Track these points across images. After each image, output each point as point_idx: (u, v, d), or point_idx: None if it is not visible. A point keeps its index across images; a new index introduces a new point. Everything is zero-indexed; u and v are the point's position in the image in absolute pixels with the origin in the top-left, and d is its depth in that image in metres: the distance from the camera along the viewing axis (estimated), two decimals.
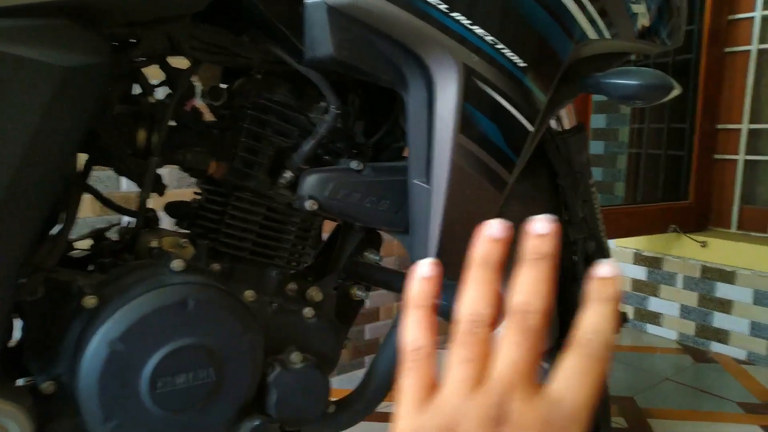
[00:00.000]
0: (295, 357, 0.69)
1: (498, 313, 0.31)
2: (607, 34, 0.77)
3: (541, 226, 0.30)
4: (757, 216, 1.99)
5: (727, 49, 2.01)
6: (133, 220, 0.69)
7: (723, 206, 2.06)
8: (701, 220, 2.06)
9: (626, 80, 0.76)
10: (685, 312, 2.03)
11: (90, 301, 0.58)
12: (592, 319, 0.29)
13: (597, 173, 2.38)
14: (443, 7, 0.61)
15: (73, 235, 0.69)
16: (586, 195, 1.02)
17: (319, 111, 0.72)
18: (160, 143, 0.64)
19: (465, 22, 0.63)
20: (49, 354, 0.60)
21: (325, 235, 0.87)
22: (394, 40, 0.62)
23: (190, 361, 0.60)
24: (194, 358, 0.60)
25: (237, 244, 0.70)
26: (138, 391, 0.58)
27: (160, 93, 0.67)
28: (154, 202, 0.74)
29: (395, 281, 0.77)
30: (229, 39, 0.65)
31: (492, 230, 0.31)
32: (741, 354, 1.90)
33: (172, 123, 0.68)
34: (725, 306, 1.93)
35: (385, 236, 0.83)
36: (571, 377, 0.29)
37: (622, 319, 1.06)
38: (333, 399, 0.76)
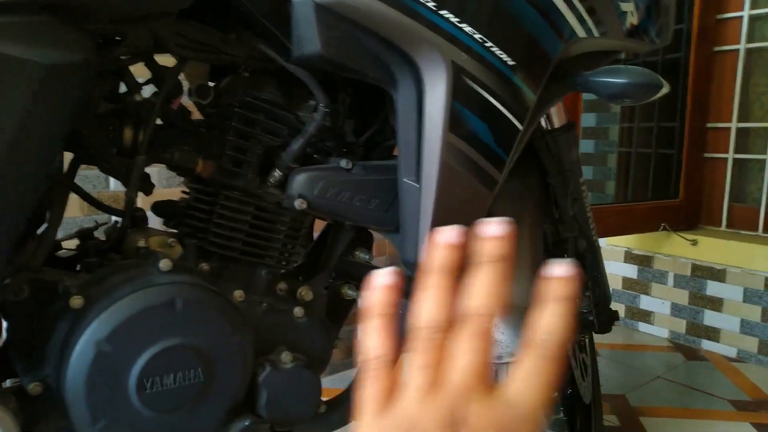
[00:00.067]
0: (286, 357, 0.69)
1: (454, 318, 0.31)
2: (596, 33, 0.77)
3: (494, 229, 0.30)
4: (747, 214, 2.00)
5: (716, 48, 2.02)
6: (121, 219, 0.69)
7: (713, 204, 2.07)
8: (691, 218, 2.07)
9: (615, 79, 0.77)
10: (676, 310, 2.03)
11: (76, 301, 0.58)
12: (546, 320, 0.30)
13: (587, 172, 2.39)
14: (431, 4, 0.61)
15: (60, 235, 0.69)
16: (577, 193, 1.02)
17: (308, 109, 0.72)
18: (147, 142, 0.64)
19: (454, 20, 0.63)
20: (36, 355, 0.60)
21: (316, 234, 0.87)
22: (382, 38, 0.62)
23: (179, 361, 0.60)
24: (183, 358, 0.60)
25: (226, 244, 0.70)
26: (126, 392, 0.58)
27: (147, 91, 0.66)
28: (144, 202, 0.74)
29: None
30: (215, 37, 0.65)
31: (447, 236, 0.31)
32: (731, 352, 1.91)
33: (159, 121, 0.67)
34: (716, 304, 1.94)
35: (377, 236, 0.82)
36: (527, 378, 0.29)
37: (614, 317, 1.07)
38: (324, 399, 0.76)
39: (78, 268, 0.67)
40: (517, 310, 0.89)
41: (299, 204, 0.69)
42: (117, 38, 0.59)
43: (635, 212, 1.96)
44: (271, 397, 0.67)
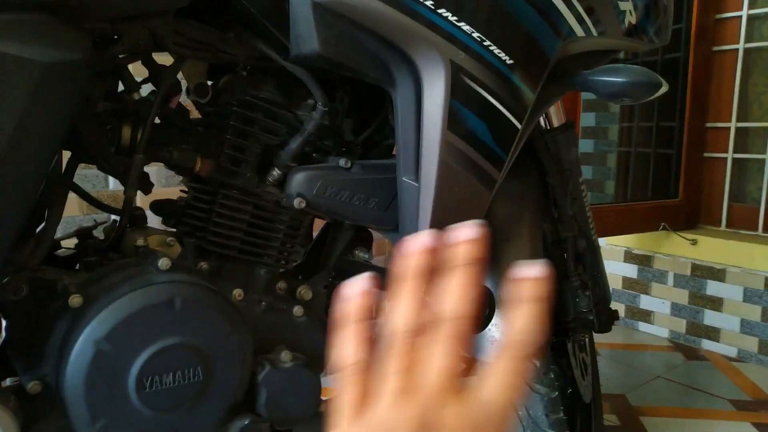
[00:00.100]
0: (285, 356, 0.69)
1: (427, 322, 0.31)
2: (594, 32, 0.77)
3: (466, 232, 0.31)
4: (746, 214, 2.00)
5: (715, 48, 2.02)
6: (120, 218, 0.69)
7: (712, 204, 2.07)
8: (691, 218, 2.07)
9: (613, 78, 0.77)
10: (676, 310, 2.03)
11: (75, 300, 0.58)
12: (520, 320, 0.30)
13: (587, 172, 2.39)
14: (429, 3, 0.61)
15: (59, 234, 0.69)
16: (576, 193, 1.02)
17: (306, 108, 0.72)
18: (145, 141, 0.64)
19: (452, 18, 0.63)
20: (35, 354, 0.60)
21: (315, 234, 0.87)
22: (380, 37, 0.62)
23: (178, 360, 0.60)
24: (182, 357, 0.60)
25: (225, 243, 0.70)
26: (125, 391, 0.58)
27: (146, 90, 0.66)
28: (142, 201, 0.74)
29: (386, 280, 0.77)
30: (214, 35, 0.65)
31: (417, 242, 0.32)
32: (732, 351, 1.91)
33: (158, 120, 0.67)
34: (716, 303, 1.94)
35: (377, 235, 0.82)
36: (501, 379, 0.30)
37: (613, 316, 1.07)
38: (325, 398, 0.76)
39: (77, 267, 0.67)
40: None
41: (298, 203, 0.69)
42: (115, 37, 0.59)
43: (635, 212, 1.96)
44: (271, 396, 0.67)
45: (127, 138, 0.64)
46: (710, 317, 1.96)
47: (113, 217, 0.72)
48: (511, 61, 0.68)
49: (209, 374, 0.62)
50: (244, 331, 0.64)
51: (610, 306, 1.07)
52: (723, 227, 2.05)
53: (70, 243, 0.71)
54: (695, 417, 1.51)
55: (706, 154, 2.07)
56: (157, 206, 0.73)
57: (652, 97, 0.78)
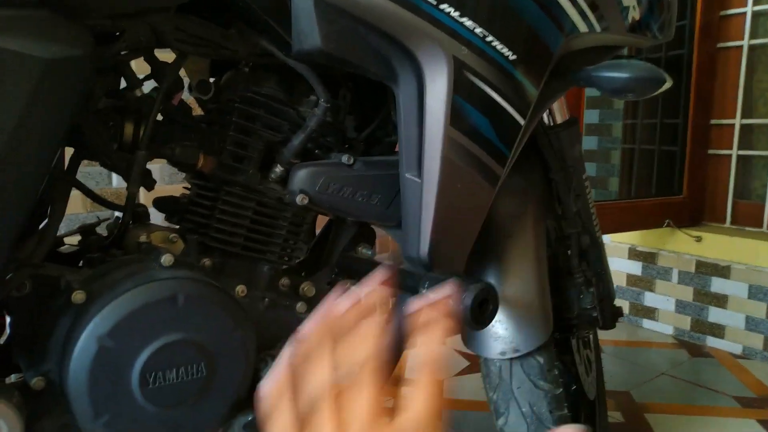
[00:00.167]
0: None
1: (347, 374, 0.35)
2: (597, 28, 0.77)
3: (339, 306, 0.36)
4: (751, 211, 1.99)
5: (719, 45, 2.01)
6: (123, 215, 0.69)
7: (717, 201, 2.06)
8: (695, 215, 2.06)
9: (617, 73, 0.76)
10: (681, 307, 2.03)
11: (78, 296, 0.58)
12: (423, 345, 0.35)
13: (590, 168, 2.39)
14: None
15: (62, 231, 0.69)
16: (579, 189, 1.02)
17: (308, 105, 0.72)
18: (148, 137, 0.64)
19: (454, 14, 0.63)
20: (38, 350, 0.60)
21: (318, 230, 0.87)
22: (382, 33, 0.61)
23: (181, 356, 0.60)
24: (185, 353, 0.60)
25: (227, 239, 0.70)
26: (129, 387, 0.58)
27: (148, 87, 0.66)
28: (145, 198, 0.74)
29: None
30: (215, 32, 0.65)
31: (323, 311, 0.37)
32: (737, 348, 1.91)
33: (160, 117, 0.67)
34: (720, 301, 1.93)
35: (380, 232, 0.82)
36: (418, 398, 0.34)
37: (618, 313, 1.07)
38: None
39: (80, 264, 0.67)
40: (520, 305, 0.89)
41: (300, 199, 0.69)
42: (116, 34, 0.59)
43: (639, 209, 1.95)
44: None
45: (130, 135, 0.64)
46: (715, 314, 1.95)
47: (116, 213, 0.72)
48: (514, 57, 0.68)
49: (212, 370, 0.62)
50: (247, 328, 0.64)
51: (614, 303, 1.07)
52: (728, 224, 2.04)
53: (74, 240, 0.71)
54: (700, 414, 1.50)
55: (710, 151, 2.06)
56: (160, 203, 0.73)
57: (656, 93, 0.77)
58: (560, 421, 0.90)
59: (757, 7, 1.93)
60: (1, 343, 0.65)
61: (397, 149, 0.74)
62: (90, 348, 0.56)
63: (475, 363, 1.75)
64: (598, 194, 2.35)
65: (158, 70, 0.66)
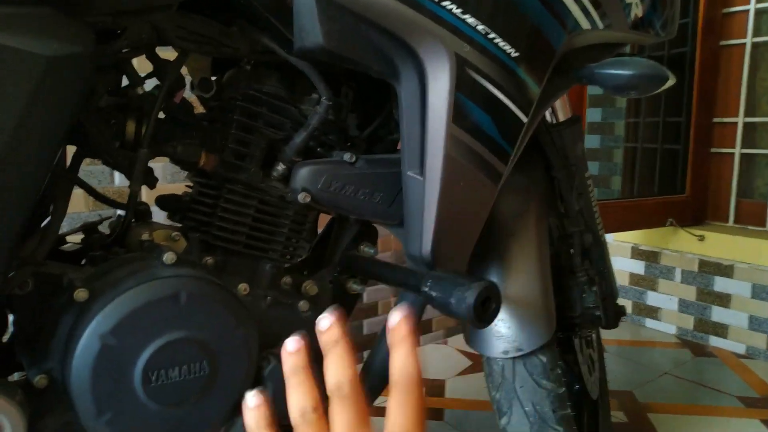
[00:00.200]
0: None
1: (321, 399, 0.38)
2: (600, 25, 0.77)
3: (322, 324, 0.38)
4: (754, 209, 1.99)
5: (722, 43, 2.01)
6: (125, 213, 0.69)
7: (720, 200, 2.06)
8: (698, 214, 2.06)
9: (620, 70, 0.76)
10: (684, 306, 2.02)
11: (81, 294, 0.58)
12: (395, 363, 0.36)
13: (593, 167, 2.38)
14: None
15: (65, 230, 0.69)
16: (582, 187, 1.02)
17: (310, 103, 0.72)
18: (150, 135, 0.64)
19: (456, 11, 0.63)
20: (41, 348, 0.60)
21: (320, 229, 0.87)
22: (384, 30, 0.61)
23: (184, 354, 0.60)
24: (187, 351, 0.60)
25: (230, 237, 0.70)
26: (131, 385, 0.58)
27: (149, 85, 0.66)
28: (147, 196, 0.74)
29: (392, 275, 0.77)
30: (216, 29, 0.65)
31: (287, 347, 0.39)
32: (740, 348, 1.90)
33: (162, 115, 0.67)
34: (723, 300, 1.93)
35: (382, 231, 0.82)
36: (396, 417, 0.36)
37: (620, 312, 1.06)
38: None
39: (83, 262, 0.67)
40: (523, 304, 0.89)
41: (303, 197, 0.69)
42: (118, 32, 0.59)
43: (642, 207, 1.95)
44: (277, 391, 0.67)
45: (132, 133, 0.64)
46: (718, 314, 1.95)
47: (118, 212, 0.72)
48: (517, 54, 0.67)
49: (215, 369, 0.62)
50: (250, 326, 0.64)
51: (617, 302, 1.07)
52: (731, 223, 2.04)
53: (76, 238, 0.71)
54: (703, 414, 1.50)
55: (713, 150, 2.06)
56: (162, 201, 0.73)
57: (659, 90, 0.77)
58: (563, 420, 0.90)
59: (761, 5, 1.93)
60: (4, 341, 0.65)
61: (399, 147, 0.74)
62: (92, 346, 0.56)
63: (478, 362, 1.75)
64: (601, 193, 2.34)
65: (160, 68, 0.66)
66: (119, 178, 1.23)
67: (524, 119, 0.71)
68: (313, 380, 0.38)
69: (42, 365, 0.59)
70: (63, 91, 0.50)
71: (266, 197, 0.71)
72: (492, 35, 0.65)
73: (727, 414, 1.50)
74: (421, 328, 1.81)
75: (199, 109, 0.76)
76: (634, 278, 2.14)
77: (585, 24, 0.75)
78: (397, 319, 0.37)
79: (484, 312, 0.64)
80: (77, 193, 0.64)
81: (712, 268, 1.95)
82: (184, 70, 0.69)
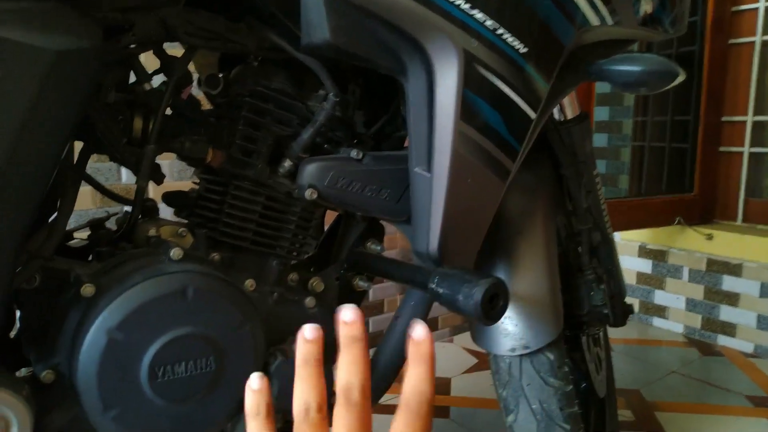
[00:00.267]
0: None
1: (327, 398, 0.36)
2: (609, 21, 0.76)
3: (347, 314, 0.36)
4: (763, 208, 1.98)
5: (732, 41, 2.00)
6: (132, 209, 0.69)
7: (728, 199, 2.05)
8: (706, 212, 2.05)
9: (630, 66, 0.76)
10: (691, 305, 2.01)
11: (88, 289, 0.58)
12: (412, 381, 0.35)
13: (600, 166, 2.37)
14: None
15: (72, 226, 0.69)
16: (590, 185, 1.01)
17: (317, 99, 0.71)
18: (157, 131, 0.64)
19: (465, 6, 0.62)
20: (48, 343, 0.60)
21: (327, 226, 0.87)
22: (392, 25, 0.61)
23: (190, 350, 0.59)
24: (194, 347, 0.60)
25: (237, 234, 0.70)
26: (138, 381, 0.58)
27: (157, 81, 0.66)
28: (154, 193, 0.74)
29: (399, 272, 0.76)
30: (224, 25, 0.65)
31: (305, 333, 0.37)
32: (748, 347, 1.89)
33: (169, 111, 0.67)
34: (732, 299, 1.92)
35: (388, 228, 0.82)
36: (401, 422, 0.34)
37: (628, 310, 1.06)
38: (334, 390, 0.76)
39: (90, 257, 0.67)
40: (530, 302, 0.89)
41: (309, 194, 0.68)
42: (126, 27, 0.59)
43: (649, 206, 1.94)
44: (283, 387, 0.67)
45: (139, 129, 0.64)
46: (726, 312, 1.93)
47: (125, 208, 0.72)
48: (525, 50, 0.67)
49: (221, 365, 0.62)
50: (256, 322, 0.64)
51: (625, 300, 1.06)
52: (739, 222, 2.02)
53: (83, 234, 0.71)
54: (711, 413, 1.49)
55: (721, 148, 2.05)
56: (169, 197, 0.73)
57: (669, 86, 0.76)
58: (570, 418, 0.89)
59: None
60: (11, 336, 0.65)
61: (406, 144, 0.73)
62: (99, 341, 0.56)
63: (483, 360, 1.75)
64: (608, 192, 2.33)
65: (167, 64, 0.66)
66: (126, 175, 1.23)
67: (533, 115, 0.71)
68: (323, 376, 0.36)
69: (49, 360, 0.59)
70: (70, 86, 0.50)
71: (273, 194, 0.71)
72: (500, 31, 0.65)
73: (734, 413, 1.49)
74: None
75: (207, 105, 0.76)
76: (642, 277, 2.13)
77: (594, 20, 0.74)
78: (422, 333, 0.35)
79: (492, 309, 0.64)
80: (84, 189, 0.64)
81: (720, 267, 1.94)
82: (191, 67, 0.69)
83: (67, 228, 0.64)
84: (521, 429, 0.90)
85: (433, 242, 0.69)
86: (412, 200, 0.71)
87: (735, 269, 1.90)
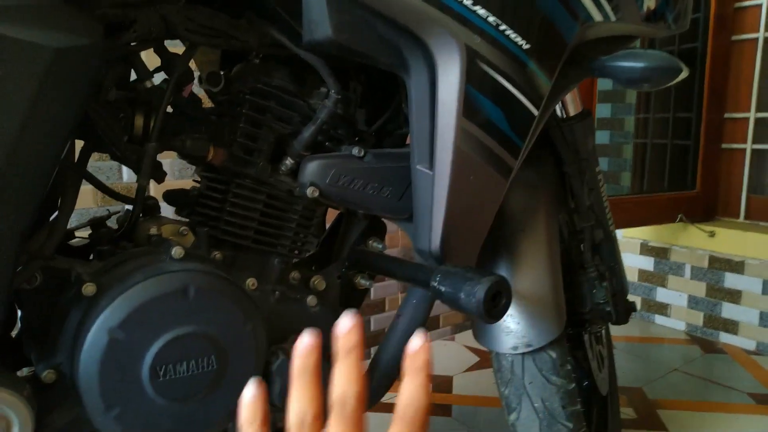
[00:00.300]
0: None
1: (323, 408, 0.36)
2: (612, 17, 0.76)
3: (344, 324, 0.36)
4: (765, 205, 1.97)
5: (734, 37, 1.99)
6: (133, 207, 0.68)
7: (730, 196, 2.04)
8: (708, 209, 2.04)
9: (633, 63, 0.75)
10: (693, 302, 2.01)
11: (89, 288, 0.58)
12: (407, 392, 0.35)
13: (603, 163, 2.37)
14: None
15: (73, 225, 0.69)
16: (593, 182, 1.01)
17: (319, 96, 0.71)
18: (158, 129, 0.63)
19: (467, 2, 0.62)
20: (49, 343, 0.59)
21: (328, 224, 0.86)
22: (394, 22, 0.61)
23: (192, 349, 0.59)
24: (195, 346, 0.59)
25: (238, 232, 0.69)
26: (139, 380, 0.57)
27: (158, 79, 0.66)
28: (155, 191, 0.73)
29: (400, 270, 0.76)
30: (225, 22, 0.64)
31: (303, 343, 0.37)
32: (750, 345, 1.89)
33: (170, 109, 0.67)
34: (734, 296, 1.91)
35: (390, 226, 0.81)
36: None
37: (630, 308, 1.05)
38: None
39: (91, 256, 0.67)
40: (533, 299, 0.88)
41: (311, 192, 0.68)
42: (127, 24, 0.59)
43: (652, 203, 1.93)
44: (285, 386, 0.67)
45: (140, 127, 0.64)
46: (728, 310, 1.93)
47: (127, 207, 0.71)
48: (528, 46, 0.67)
49: (223, 364, 0.61)
50: (258, 321, 0.64)
51: (627, 297, 1.06)
52: (741, 219, 2.02)
53: (84, 233, 0.70)
54: (714, 410, 1.49)
55: (724, 145, 2.04)
56: (170, 196, 0.72)
57: (672, 82, 0.76)
58: (573, 416, 0.89)
59: None
60: (13, 336, 0.65)
61: (408, 141, 0.73)
62: (100, 340, 0.55)
63: (485, 359, 1.74)
64: (610, 189, 2.33)
65: (168, 61, 0.66)
66: (127, 174, 1.23)
67: (535, 112, 0.70)
68: (320, 385, 0.36)
69: (50, 360, 0.59)
70: (70, 84, 0.49)
71: (275, 192, 0.71)
72: (503, 27, 0.64)
73: (737, 410, 1.49)
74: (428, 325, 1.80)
75: (208, 103, 0.76)
76: (644, 274, 2.12)
77: (597, 16, 0.74)
78: (419, 344, 0.35)
79: (494, 307, 0.64)
80: (85, 188, 0.64)
81: (722, 264, 1.93)
82: (192, 64, 0.69)
83: (68, 227, 0.63)
84: (523, 427, 0.90)
85: (435, 240, 0.69)
86: (414, 198, 0.71)
87: (737, 266, 1.90)
